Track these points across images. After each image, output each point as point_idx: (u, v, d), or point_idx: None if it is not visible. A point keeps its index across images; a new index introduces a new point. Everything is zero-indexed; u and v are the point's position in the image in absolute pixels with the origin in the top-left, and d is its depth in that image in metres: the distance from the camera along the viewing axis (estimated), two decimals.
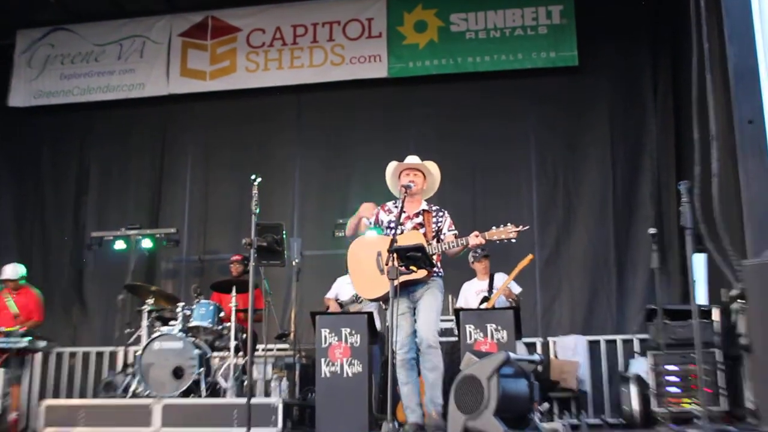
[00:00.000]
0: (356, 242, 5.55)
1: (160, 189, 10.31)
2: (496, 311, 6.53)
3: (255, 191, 5.51)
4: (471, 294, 7.56)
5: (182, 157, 10.31)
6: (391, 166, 5.57)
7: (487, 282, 7.53)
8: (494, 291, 7.38)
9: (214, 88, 10.11)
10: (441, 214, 5.53)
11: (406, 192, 5.23)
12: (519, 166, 9.52)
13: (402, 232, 5.35)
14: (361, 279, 5.45)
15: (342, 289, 7.65)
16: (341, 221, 8.71)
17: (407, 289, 5.30)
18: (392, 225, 5.25)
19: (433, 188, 5.64)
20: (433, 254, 5.27)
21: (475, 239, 5.11)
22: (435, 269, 5.38)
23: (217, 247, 9.90)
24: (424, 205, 5.54)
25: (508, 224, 5.07)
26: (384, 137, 9.66)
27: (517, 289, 7.34)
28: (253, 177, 5.56)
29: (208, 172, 10.25)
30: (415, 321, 5.34)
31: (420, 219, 5.46)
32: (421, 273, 5.18)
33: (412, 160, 5.60)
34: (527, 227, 5.15)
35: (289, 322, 8.57)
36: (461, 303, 7.53)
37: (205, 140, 10.35)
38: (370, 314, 6.38)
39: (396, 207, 5.39)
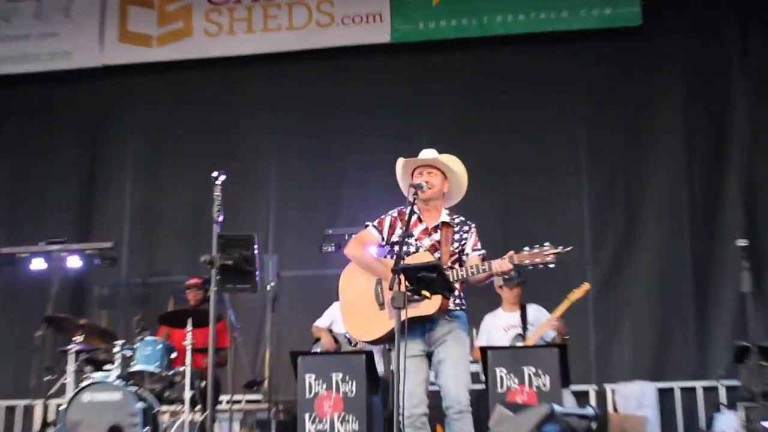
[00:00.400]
0: (349, 269, 5.64)
1: (91, 191, 10.32)
2: (536, 350, 6.62)
3: (218, 193, 5.57)
4: (497, 329, 7.64)
5: (121, 149, 10.33)
6: (400, 164, 5.67)
7: (518, 314, 7.62)
8: (530, 328, 7.48)
9: (164, 58, 10.15)
10: (466, 228, 5.59)
11: (416, 193, 5.29)
12: (564, 161, 9.53)
13: (417, 250, 5.44)
14: (355, 316, 5.54)
15: (340, 317, 7.56)
16: (331, 232, 8.80)
17: (422, 326, 5.35)
18: (403, 239, 5.27)
19: (458, 192, 5.71)
20: (455, 281, 5.33)
21: (499, 265, 5.19)
22: (457, 300, 5.43)
23: (167, 266, 9.98)
24: (444, 216, 5.59)
25: (545, 244, 5.14)
26: (387, 122, 9.73)
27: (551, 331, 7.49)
28: (215, 174, 5.62)
29: (156, 168, 10.29)
30: (430, 368, 5.40)
31: (438, 234, 5.52)
32: (435, 302, 5.20)
33: (428, 155, 5.68)
34: (570, 248, 5.19)
35: (262, 365, 8.69)
36: (482, 341, 7.61)
37: (152, 126, 10.36)
38: (369, 354, 6.46)
39: (415, 213, 5.47)
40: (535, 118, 9.62)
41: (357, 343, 7.22)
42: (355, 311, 5.52)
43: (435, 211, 5.58)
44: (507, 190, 9.62)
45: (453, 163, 5.64)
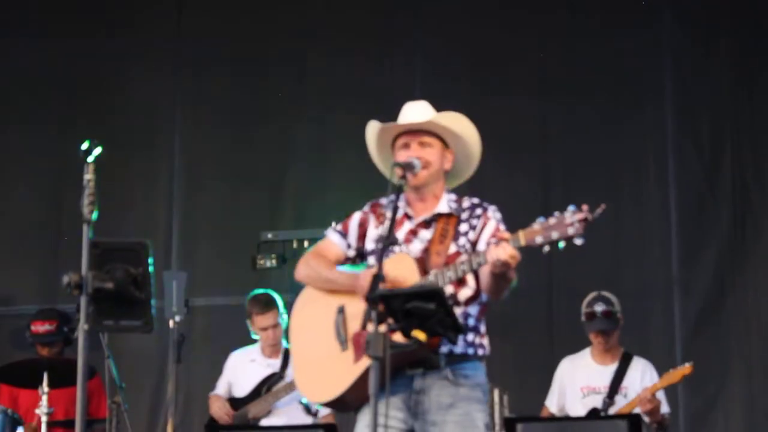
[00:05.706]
0: (302, 299, 5.23)
1: None
2: (594, 424, 6.59)
3: (88, 175, 4.63)
4: (573, 387, 7.10)
5: None
6: (374, 130, 5.14)
7: (611, 371, 7.04)
8: (621, 397, 6.96)
9: None
10: (479, 212, 5.04)
11: (403, 177, 4.74)
12: (637, 124, 8.57)
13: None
14: (306, 367, 5.07)
15: (242, 373, 7.43)
16: (270, 237, 8.24)
17: (404, 381, 4.67)
18: (384, 247, 4.73)
19: (467, 166, 5.21)
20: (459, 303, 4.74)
21: (496, 251, 4.53)
22: (471, 339, 4.79)
23: (4, 291, 9.11)
24: (444, 205, 5.04)
25: (567, 210, 4.50)
26: (359, 61, 8.76)
27: (665, 407, 7.04)
28: (84, 146, 4.67)
29: None
30: None
31: (430, 231, 4.91)
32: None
33: (417, 114, 5.11)
34: (602, 207, 4.49)
35: None
36: (553, 398, 7.09)
37: None
38: (330, 428, 6.44)
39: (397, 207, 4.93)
40: (592, 49, 8.59)
41: (317, 411, 6.86)
42: (308, 359, 5.09)
43: (430, 198, 5.08)
44: (548, 167, 8.66)
45: (459, 125, 5.10)
